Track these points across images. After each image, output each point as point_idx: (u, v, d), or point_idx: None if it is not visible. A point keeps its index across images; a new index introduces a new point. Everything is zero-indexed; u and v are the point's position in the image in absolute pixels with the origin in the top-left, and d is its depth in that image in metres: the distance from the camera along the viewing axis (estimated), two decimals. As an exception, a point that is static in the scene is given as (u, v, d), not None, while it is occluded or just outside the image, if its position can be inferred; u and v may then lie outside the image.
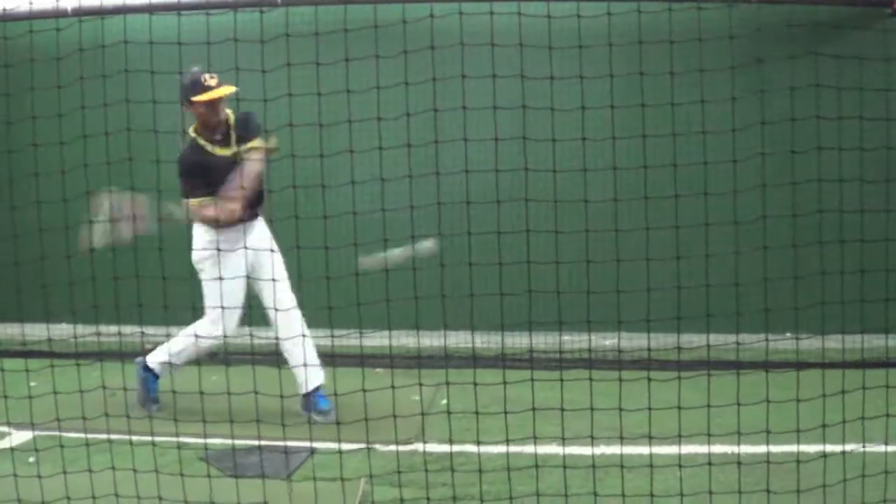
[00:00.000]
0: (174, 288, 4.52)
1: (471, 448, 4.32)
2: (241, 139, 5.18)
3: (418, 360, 5.99)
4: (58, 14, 6.47)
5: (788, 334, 5.97)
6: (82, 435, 4.22)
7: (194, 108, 5.16)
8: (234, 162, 5.16)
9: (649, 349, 4.63)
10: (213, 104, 5.13)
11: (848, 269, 5.01)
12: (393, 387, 4.04)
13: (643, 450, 4.18)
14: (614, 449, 4.38)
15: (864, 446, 4.07)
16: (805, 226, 5.27)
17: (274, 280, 5.13)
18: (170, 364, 5.41)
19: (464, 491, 4.11)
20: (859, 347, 5.77)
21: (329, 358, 5.66)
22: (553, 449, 4.47)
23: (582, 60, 4.47)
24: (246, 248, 5.02)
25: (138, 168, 4.91)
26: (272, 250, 5.28)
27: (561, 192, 4.58)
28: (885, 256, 4.96)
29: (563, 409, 3.99)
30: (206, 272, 5.23)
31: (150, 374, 5.48)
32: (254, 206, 5.31)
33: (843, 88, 5.11)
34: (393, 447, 4.61)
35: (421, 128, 4.71)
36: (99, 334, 5.12)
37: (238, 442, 4.59)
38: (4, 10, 6.87)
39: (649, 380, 3.91)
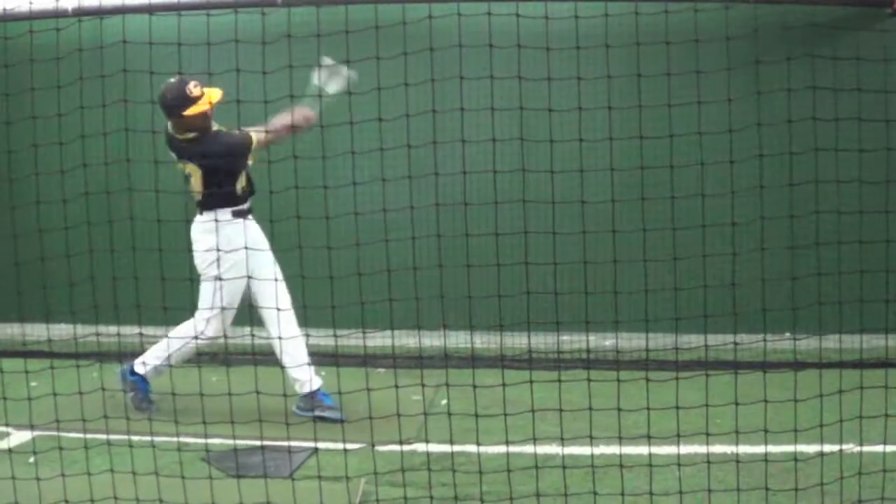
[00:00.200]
0: (173, 288, 4.53)
1: (471, 448, 4.33)
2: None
3: (419, 361, 6.01)
4: (58, 14, 6.47)
5: (787, 334, 6.00)
6: (82, 436, 4.23)
7: (188, 121, 5.12)
8: None
9: (647, 349, 4.65)
10: (207, 112, 5.13)
11: (846, 269, 5.03)
12: (396, 386, 4.05)
13: (642, 450, 4.18)
14: (614, 449, 4.38)
15: (861, 446, 4.09)
16: (803, 226, 5.29)
17: (276, 280, 5.16)
18: (155, 368, 5.39)
19: (464, 491, 4.12)
20: (857, 348, 5.78)
21: (331, 358, 5.68)
22: (553, 449, 4.48)
23: (579, 62, 4.48)
24: (247, 248, 5.03)
25: (137, 169, 4.94)
26: (262, 249, 5.28)
27: (559, 194, 4.59)
28: (886, 257, 4.97)
29: (561, 410, 4.01)
30: (210, 272, 5.21)
31: (138, 378, 5.43)
32: (247, 200, 5.31)
33: (844, 90, 5.12)
34: (393, 447, 4.62)
35: (419, 129, 4.73)
36: (98, 335, 5.13)
37: (239, 442, 4.60)
38: (4, 9, 6.87)
39: (647, 380, 3.93)
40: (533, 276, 4.75)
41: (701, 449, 4.17)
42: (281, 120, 5.11)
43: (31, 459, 4.45)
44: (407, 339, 6.10)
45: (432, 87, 4.43)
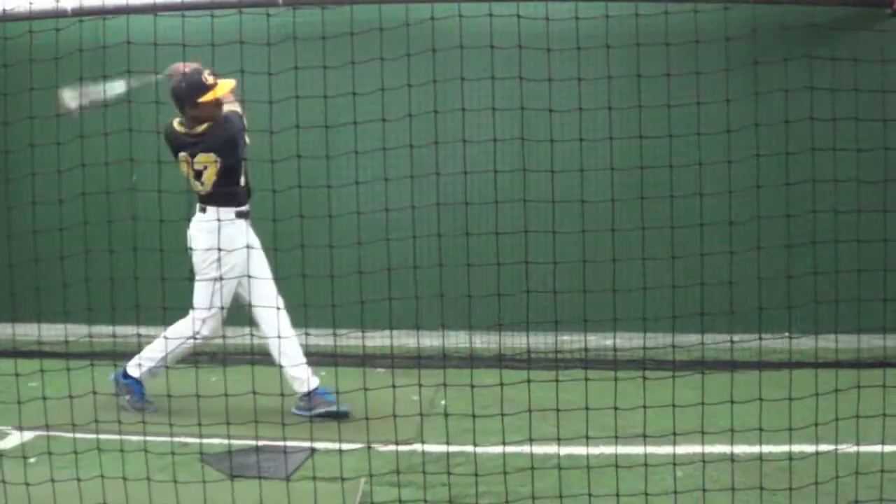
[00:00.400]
0: (169, 288, 4.54)
1: (470, 448, 4.34)
2: None
3: (418, 361, 6.02)
4: (58, 14, 6.49)
5: (786, 334, 6.00)
6: (84, 436, 4.24)
7: (202, 109, 5.14)
8: None
9: (644, 348, 4.66)
10: (220, 100, 5.16)
11: (844, 269, 5.04)
12: (393, 386, 4.06)
13: (639, 449, 4.19)
14: (611, 449, 4.38)
15: (857, 446, 4.09)
16: (800, 225, 5.30)
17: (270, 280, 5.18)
18: (150, 370, 5.38)
19: (463, 491, 4.13)
20: (854, 347, 5.80)
21: (330, 358, 5.69)
22: (552, 449, 4.49)
23: (580, 62, 4.49)
24: (248, 247, 5.05)
25: (140, 169, 4.95)
26: (251, 247, 5.28)
27: (559, 193, 4.60)
28: (884, 257, 4.99)
29: (557, 409, 4.01)
30: (210, 272, 5.21)
31: (132, 381, 5.41)
32: (247, 200, 5.33)
33: (842, 90, 5.13)
34: (392, 447, 4.63)
35: (419, 129, 4.74)
36: (91, 336, 5.15)
37: (237, 442, 4.62)
38: (4, 10, 6.88)
39: (644, 378, 3.94)
40: (532, 275, 4.76)
41: (697, 448, 4.18)
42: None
43: (32, 460, 4.46)
44: (406, 339, 6.13)
45: (434, 87, 4.45)
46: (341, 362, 5.92)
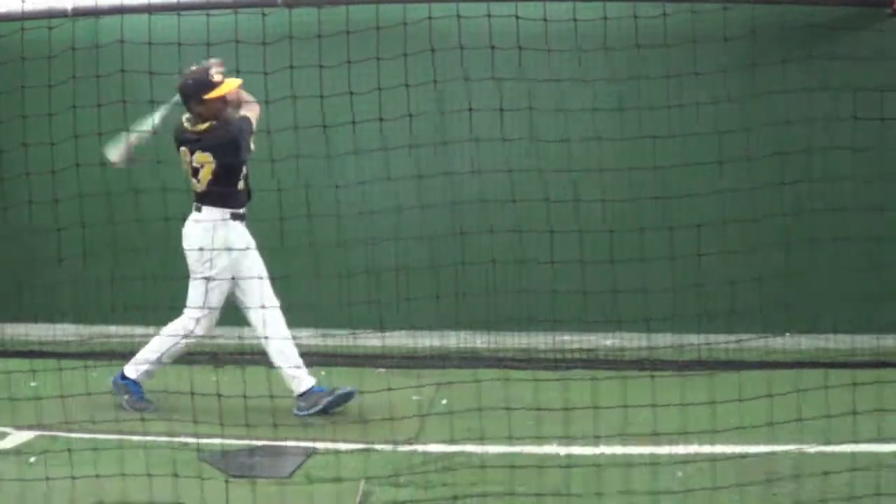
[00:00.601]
0: (164, 288, 4.54)
1: (470, 448, 4.33)
2: None
3: (419, 360, 6.03)
4: (56, 14, 6.46)
5: (787, 335, 6.01)
6: (78, 435, 4.23)
7: (208, 106, 5.13)
8: None
9: (649, 348, 4.65)
10: (227, 98, 5.15)
11: (852, 267, 5.06)
12: (390, 388, 4.05)
13: (634, 449, 4.19)
14: (612, 449, 4.38)
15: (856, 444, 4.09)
16: (799, 225, 5.30)
17: (262, 279, 5.17)
18: (147, 371, 5.34)
19: (463, 491, 4.12)
20: (851, 347, 5.80)
21: (330, 358, 5.68)
22: (553, 449, 4.48)
23: (580, 62, 4.49)
24: (244, 249, 5.02)
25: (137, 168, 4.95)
26: (252, 251, 5.28)
27: (558, 194, 4.61)
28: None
29: (545, 408, 4.00)
30: (203, 271, 5.19)
31: (129, 382, 5.35)
32: (245, 202, 5.32)
33: (843, 90, 5.14)
34: (393, 447, 4.62)
35: (418, 129, 4.74)
36: (81, 335, 5.14)
37: (237, 442, 4.60)
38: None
39: (653, 377, 3.94)
40: (533, 275, 4.77)
41: (705, 448, 4.18)
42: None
43: (32, 459, 4.45)
44: (406, 340, 6.13)
45: (435, 87, 4.44)
46: (341, 362, 5.93)
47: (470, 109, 4.51)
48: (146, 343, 5.39)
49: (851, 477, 3.81)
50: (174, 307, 5.28)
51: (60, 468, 4.03)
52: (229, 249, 5.10)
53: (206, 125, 5.17)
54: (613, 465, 4.22)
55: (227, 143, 5.15)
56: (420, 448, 4.70)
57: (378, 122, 4.55)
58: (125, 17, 6.24)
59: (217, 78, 5.13)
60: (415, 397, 4.89)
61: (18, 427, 4.90)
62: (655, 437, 4.10)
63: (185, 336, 5.23)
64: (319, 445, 4.65)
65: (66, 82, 4.83)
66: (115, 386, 5.38)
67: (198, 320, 5.23)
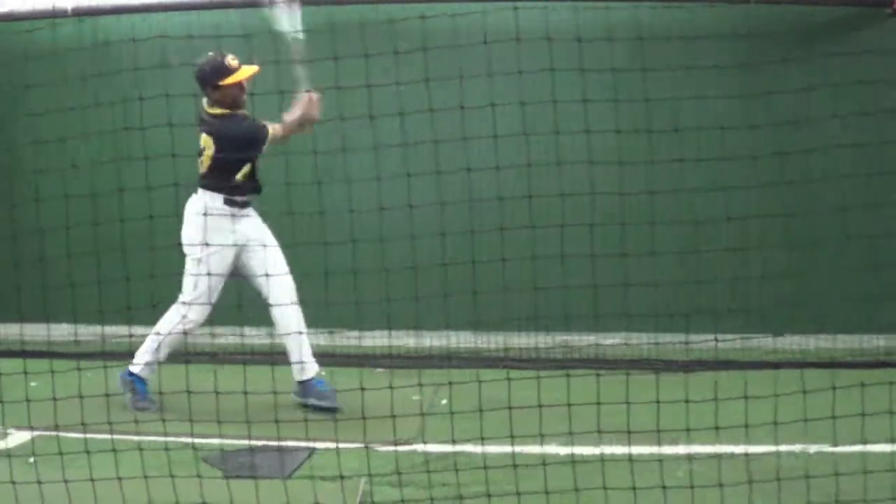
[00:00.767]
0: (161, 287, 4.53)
1: (471, 448, 4.33)
2: None
3: (419, 360, 6.02)
4: (57, 14, 6.46)
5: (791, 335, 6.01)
6: (75, 436, 4.22)
7: (222, 92, 5.15)
8: None
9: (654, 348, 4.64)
10: (242, 84, 5.16)
11: (856, 267, 5.05)
12: (391, 387, 4.04)
13: (627, 449, 4.18)
14: (621, 449, 4.37)
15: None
16: (802, 225, 5.30)
17: (280, 274, 5.17)
18: (148, 364, 5.36)
19: (463, 491, 4.11)
20: (856, 347, 5.79)
21: (331, 358, 5.67)
22: (553, 449, 4.47)
23: (581, 58, 4.48)
24: (257, 242, 5.04)
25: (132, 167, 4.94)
26: (265, 245, 5.28)
27: (566, 190, 4.60)
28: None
29: (543, 407, 3.98)
30: (193, 253, 5.22)
31: (135, 377, 5.39)
32: (246, 193, 5.31)
33: (844, 87, 5.14)
34: (393, 447, 4.61)
35: (416, 128, 4.74)
36: (81, 335, 5.13)
37: (236, 442, 4.60)
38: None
39: (656, 377, 3.93)
40: (537, 275, 4.76)
41: (710, 448, 4.17)
42: (291, 116, 5.20)
43: (31, 460, 4.45)
44: (406, 339, 6.13)
45: (430, 86, 4.43)
46: (340, 362, 5.93)
47: (492, 105, 4.49)
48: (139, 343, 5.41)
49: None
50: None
51: (60, 469, 4.03)
52: (217, 235, 5.11)
53: (221, 111, 5.21)
54: (615, 463, 4.21)
55: (231, 137, 5.17)
56: (420, 448, 4.70)
57: (380, 119, 4.55)
58: (114, 16, 6.27)
59: (233, 64, 5.15)
60: (415, 397, 4.89)
61: (18, 427, 4.90)
62: (657, 435, 4.07)
63: (182, 322, 5.24)
64: (319, 445, 4.65)
65: (65, 83, 4.83)
66: (122, 382, 5.41)
67: (189, 304, 5.23)
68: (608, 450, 4.16)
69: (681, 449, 4.20)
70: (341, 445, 4.48)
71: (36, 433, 4.80)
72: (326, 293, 4.95)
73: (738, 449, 4.26)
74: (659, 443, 3.99)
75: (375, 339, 6.28)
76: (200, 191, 5.28)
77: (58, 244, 5.12)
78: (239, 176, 5.21)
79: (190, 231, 5.24)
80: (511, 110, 4.60)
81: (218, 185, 5.22)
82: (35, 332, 6.50)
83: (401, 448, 4.61)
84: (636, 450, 4.16)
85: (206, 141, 5.22)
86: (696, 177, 5.12)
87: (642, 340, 6.08)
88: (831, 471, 3.85)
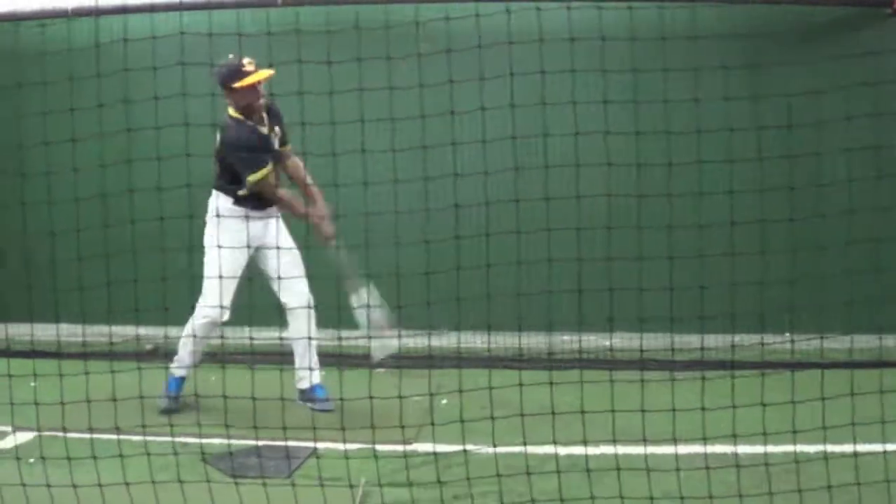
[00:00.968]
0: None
1: (471, 448, 4.32)
2: (277, 133, 5.34)
3: (420, 361, 6.02)
4: (57, 14, 6.47)
5: (787, 335, 6.00)
6: (77, 436, 4.22)
7: (237, 95, 5.17)
8: (271, 140, 5.31)
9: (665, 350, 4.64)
10: (255, 88, 5.16)
11: (856, 269, 5.04)
12: (401, 394, 4.05)
13: (640, 450, 4.18)
14: (613, 450, 4.37)
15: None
16: (806, 227, 5.29)
17: (293, 276, 5.22)
18: (179, 360, 5.45)
19: (463, 491, 4.12)
20: (858, 347, 5.79)
21: (331, 358, 5.67)
22: (553, 449, 4.47)
23: (575, 58, 4.47)
24: (270, 244, 5.09)
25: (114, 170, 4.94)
26: (280, 248, 5.28)
27: (554, 192, 4.59)
28: None
29: (552, 412, 4.00)
30: (208, 243, 5.28)
31: (172, 380, 5.48)
32: (251, 201, 5.31)
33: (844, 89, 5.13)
34: (393, 447, 4.61)
35: (405, 130, 4.74)
36: (82, 335, 5.12)
37: (238, 442, 4.60)
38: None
39: (661, 380, 3.93)
40: (533, 276, 4.75)
41: (699, 449, 4.17)
42: (299, 206, 5.35)
43: (32, 460, 4.45)
44: (406, 339, 6.11)
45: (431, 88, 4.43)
46: (342, 362, 5.92)
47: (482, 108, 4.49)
48: (147, 343, 5.44)
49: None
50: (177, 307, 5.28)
51: (60, 469, 4.03)
52: (226, 244, 5.08)
53: (236, 114, 5.25)
54: (609, 467, 4.22)
55: (229, 143, 5.22)
56: (420, 448, 4.71)
57: (371, 123, 4.55)
58: (114, 16, 6.27)
59: (248, 68, 5.15)
60: (415, 397, 4.89)
61: (18, 427, 4.90)
62: (653, 437, 4.09)
63: (201, 321, 5.29)
64: (320, 445, 4.65)
65: (64, 82, 4.82)
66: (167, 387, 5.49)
67: (205, 294, 5.29)
68: (652, 450, 4.17)
69: (676, 449, 4.20)
70: (342, 445, 4.48)
71: (36, 433, 4.80)
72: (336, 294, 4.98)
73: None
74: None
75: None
76: (213, 191, 5.33)
77: (68, 246, 5.11)
78: (244, 189, 5.23)
79: (206, 230, 5.31)
80: (532, 112, 4.60)
81: (226, 187, 5.28)
82: (34, 331, 6.51)
83: (401, 448, 4.61)
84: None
85: (218, 142, 5.28)
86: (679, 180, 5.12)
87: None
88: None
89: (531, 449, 4.25)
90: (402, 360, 5.73)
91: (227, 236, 5.07)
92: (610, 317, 4.54)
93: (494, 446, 4.16)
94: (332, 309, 4.90)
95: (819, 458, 4.02)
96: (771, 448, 4.06)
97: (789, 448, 4.07)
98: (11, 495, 3.92)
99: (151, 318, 5.59)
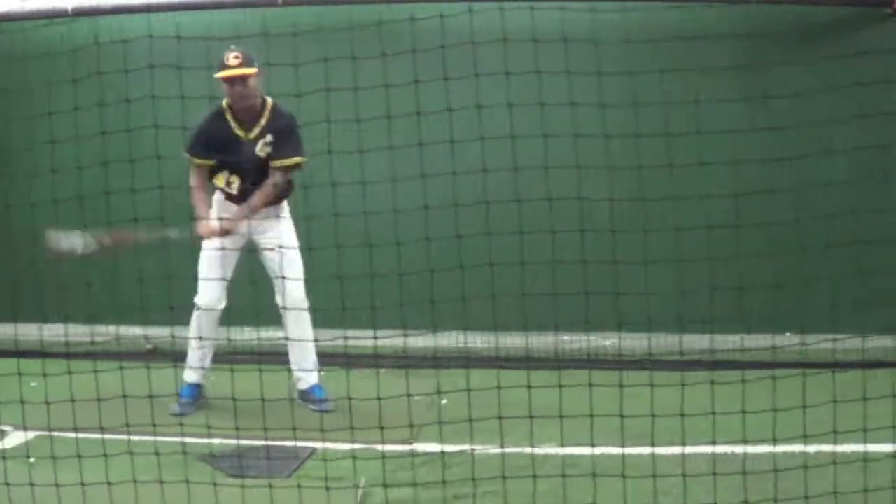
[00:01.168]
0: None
1: (471, 448, 4.32)
2: (270, 142, 5.23)
3: (418, 360, 6.02)
4: (57, 14, 6.46)
5: (788, 334, 6.00)
6: (71, 435, 4.22)
7: (223, 84, 5.18)
8: (246, 145, 5.22)
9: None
10: (230, 82, 5.14)
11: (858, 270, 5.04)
12: (409, 393, 4.05)
13: (645, 450, 4.18)
14: (613, 450, 4.37)
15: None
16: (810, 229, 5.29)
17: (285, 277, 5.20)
18: (189, 363, 5.47)
19: (463, 491, 4.12)
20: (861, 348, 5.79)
21: (332, 358, 5.67)
22: (552, 450, 4.48)
23: (574, 59, 4.47)
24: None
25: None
26: (282, 247, 5.28)
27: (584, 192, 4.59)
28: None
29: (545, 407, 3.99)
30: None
31: (186, 386, 5.48)
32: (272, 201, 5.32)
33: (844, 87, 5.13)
34: (393, 447, 4.61)
35: (401, 129, 4.74)
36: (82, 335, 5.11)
37: (236, 442, 4.59)
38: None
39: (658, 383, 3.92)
40: (538, 277, 4.74)
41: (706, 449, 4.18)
42: (201, 203, 5.28)
43: (32, 460, 4.44)
44: (409, 339, 6.11)
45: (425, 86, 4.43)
46: (339, 362, 5.92)
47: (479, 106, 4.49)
48: (148, 343, 5.45)
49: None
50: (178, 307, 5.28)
51: (60, 469, 4.03)
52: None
53: (225, 104, 5.27)
54: (612, 465, 4.22)
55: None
56: (420, 448, 4.70)
57: (367, 122, 4.55)
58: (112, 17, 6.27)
59: (229, 62, 5.12)
60: (415, 397, 4.88)
61: (18, 427, 4.90)
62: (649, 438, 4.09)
63: (196, 308, 5.30)
64: (319, 445, 4.65)
65: (65, 82, 4.82)
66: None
67: (199, 290, 5.32)
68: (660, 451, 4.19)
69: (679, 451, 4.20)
70: (342, 445, 4.48)
71: (35, 433, 4.80)
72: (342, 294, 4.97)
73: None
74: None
75: (380, 339, 6.28)
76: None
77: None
78: (215, 179, 5.27)
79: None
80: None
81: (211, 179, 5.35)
82: (34, 331, 6.49)
83: (401, 448, 4.61)
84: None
85: None
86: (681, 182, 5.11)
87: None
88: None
89: (531, 449, 4.25)
90: (402, 361, 5.74)
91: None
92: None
93: (502, 446, 4.16)
94: (335, 309, 4.88)
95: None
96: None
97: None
98: (17, 495, 3.92)
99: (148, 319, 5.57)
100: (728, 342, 5.84)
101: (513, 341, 6.27)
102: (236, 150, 5.20)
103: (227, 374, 4.36)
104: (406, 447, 4.69)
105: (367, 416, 4.25)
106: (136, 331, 6.56)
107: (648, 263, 4.54)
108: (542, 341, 6.30)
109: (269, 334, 5.63)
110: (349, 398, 4.23)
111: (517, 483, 4.03)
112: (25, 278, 5.81)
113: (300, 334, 5.24)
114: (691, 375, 4.20)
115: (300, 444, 4.65)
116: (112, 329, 6.45)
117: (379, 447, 4.59)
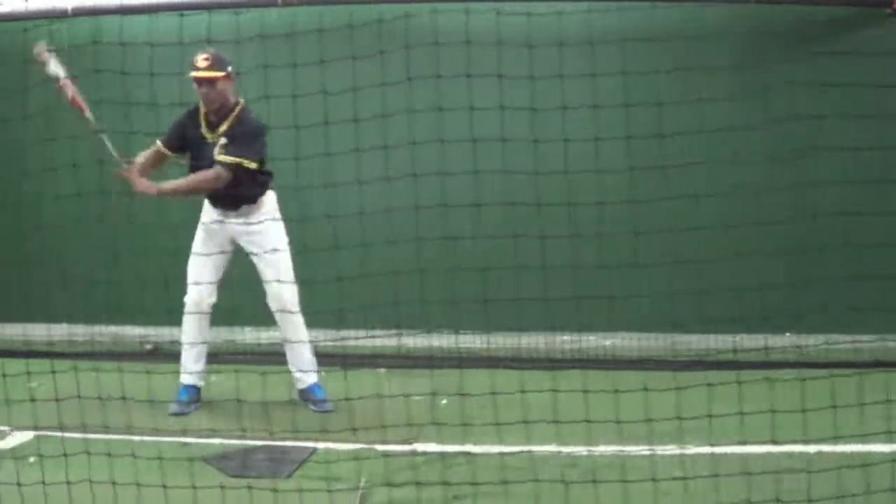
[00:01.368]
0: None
1: (471, 448, 4.32)
2: (224, 144, 5.14)
3: (422, 361, 6.02)
4: (57, 14, 6.46)
5: (787, 334, 6.00)
6: (70, 436, 4.22)
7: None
8: (207, 146, 5.19)
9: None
10: (198, 83, 5.10)
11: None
12: (408, 394, 4.04)
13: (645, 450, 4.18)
14: (613, 449, 4.38)
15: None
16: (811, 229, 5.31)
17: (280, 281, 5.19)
18: (182, 365, 5.43)
19: (463, 491, 4.12)
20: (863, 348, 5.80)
21: (332, 358, 5.67)
22: (552, 448, 4.48)
23: (577, 59, 4.48)
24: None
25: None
26: (276, 249, 5.28)
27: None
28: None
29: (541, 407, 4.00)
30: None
31: (184, 387, 5.42)
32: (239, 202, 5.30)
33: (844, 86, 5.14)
34: (393, 447, 4.61)
35: (396, 128, 4.75)
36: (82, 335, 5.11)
37: (237, 442, 4.60)
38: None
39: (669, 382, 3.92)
40: (532, 279, 4.74)
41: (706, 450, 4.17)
42: (137, 173, 5.16)
43: (32, 460, 4.45)
44: (407, 340, 6.11)
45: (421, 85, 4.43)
46: (343, 362, 5.93)
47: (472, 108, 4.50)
48: (147, 343, 5.43)
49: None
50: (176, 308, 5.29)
51: (60, 469, 4.03)
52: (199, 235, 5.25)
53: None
54: (610, 465, 4.22)
55: None
56: (420, 448, 4.70)
57: (365, 122, 4.56)
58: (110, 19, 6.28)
59: (197, 63, 5.09)
60: (415, 397, 4.89)
61: (18, 427, 4.91)
62: (648, 436, 4.09)
63: (187, 311, 5.28)
64: (319, 446, 4.65)
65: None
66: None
67: (188, 289, 5.32)
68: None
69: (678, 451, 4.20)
70: (341, 445, 4.48)
71: (35, 433, 4.81)
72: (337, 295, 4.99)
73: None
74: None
75: (380, 339, 6.29)
76: None
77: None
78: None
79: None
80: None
81: None
82: (34, 331, 6.51)
83: (400, 448, 4.61)
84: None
85: None
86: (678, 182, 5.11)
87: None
88: None
89: (530, 448, 4.24)
90: (403, 361, 5.74)
91: (201, 229, 5.28)
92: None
93: (483, 445, 4.16)
94: (332, 310, 4.89)
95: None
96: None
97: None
98: (17, 495, 3.92)
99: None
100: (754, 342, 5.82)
101: (534, 341, 6.27)
102: (200, 150, 5.21)
103: (227, 374, 4.37)
104: (406, 447, 4.69)
105: (367, 416, 4.24)
106: (136, 331, 6.56)
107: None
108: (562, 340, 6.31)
109: (269, 334, 5.64)
110: (347, 398, 4.24)
111: (517, 482, 4.03)
112: (32, 277, 5.81)
113: (293, 335, 5.22)
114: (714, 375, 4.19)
115: (299, 444, 4.66)
116: (112, 329, 6.45)
117: (378, 447, 4.59)
